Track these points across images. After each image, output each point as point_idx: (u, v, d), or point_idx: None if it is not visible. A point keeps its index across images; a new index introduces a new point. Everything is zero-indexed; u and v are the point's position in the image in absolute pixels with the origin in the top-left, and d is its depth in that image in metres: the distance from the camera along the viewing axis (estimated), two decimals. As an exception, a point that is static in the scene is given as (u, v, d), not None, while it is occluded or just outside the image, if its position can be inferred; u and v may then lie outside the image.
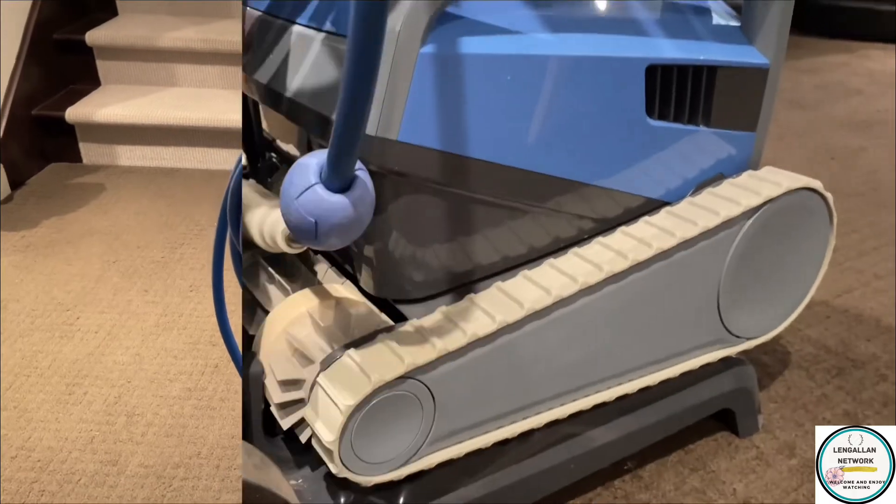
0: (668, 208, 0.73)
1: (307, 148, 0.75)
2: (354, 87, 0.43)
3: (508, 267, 0.68)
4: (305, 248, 0.65)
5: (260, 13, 0.66)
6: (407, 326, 0.62)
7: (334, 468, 0.58)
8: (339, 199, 0.48)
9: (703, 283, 0.73)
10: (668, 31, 0.67)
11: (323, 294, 0.66)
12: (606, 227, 0.71)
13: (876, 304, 1.16)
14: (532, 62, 0.58)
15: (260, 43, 0.66)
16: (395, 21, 0.52)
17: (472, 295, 0.64)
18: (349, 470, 0.58)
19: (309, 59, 0.59)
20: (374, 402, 0.57)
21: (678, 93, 0.68)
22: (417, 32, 0.52)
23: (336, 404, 0.56)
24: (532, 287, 0.64)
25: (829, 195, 0.78)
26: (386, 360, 0.58)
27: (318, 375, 0.59)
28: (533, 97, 0.59)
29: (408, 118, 0.54)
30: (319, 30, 0.58)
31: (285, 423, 0.62)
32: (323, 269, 0.72)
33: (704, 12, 0.72)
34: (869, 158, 1.77)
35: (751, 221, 0.73)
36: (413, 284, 0.64)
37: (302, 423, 0.63)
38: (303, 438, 0.63)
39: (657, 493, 0.80)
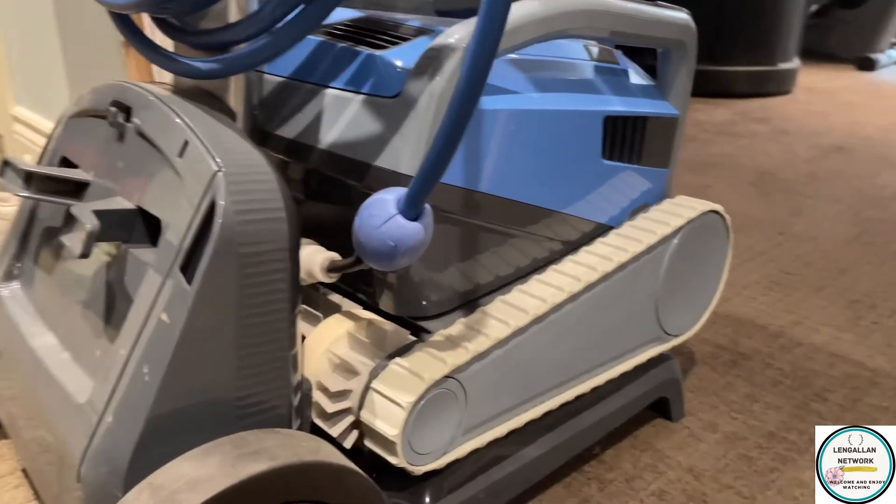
0: (614, 231, 0.90)
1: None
2: (447, 141, 0.55)
3: (503, 284, 0.81)
4: (339, 277, 0.74)
5: (283, 78, 0.76)
6: (437, 337, 0.73)
7: (396, 460, 0.67)
8: (415, 226, 0.59)
9: (647, 290, 0.90)
10: (613, 89, 0.85)
11: (354, 317, 0.75)
12: (570, 248, 0.87)
13: (748, 309, 1.40)
14: (530, 116, 0.73)
15: (283, 103, 0.76)
16: (437, 85, 0.65)
17: (483, 308, 0.77)
18: (406, 461, 0.68)
19: (347, 117, 0.70)
20: (426, 398, 0.68)
21: (621, 138, 0.86)
22: (448, 87, 0.65)
23: (397, 403, 0.66)
24: (530, 298, 0.78)
25: (727, 216, 0.98)
26: (432, 364, 0.69)
27: (370, 383, 0.69)
28: (528, 142, 0.74)
29: (464, 168, 0.67)
30: (358, 92, 0.70)
31: (334, 430, 0.71)
32: (337, 298, 0.82)
33: (629, 74, 0.90)
34: (714, 193, 2.09)
35: (677, 238, 0.91)
36: (430, 303, 0.76)
37: (346, 431, 0.72)
38: (347, 444, 0.72)
39: (620, 471, 0.94)
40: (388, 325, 0.75)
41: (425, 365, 0.69)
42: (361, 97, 0.69)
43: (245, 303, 0.59)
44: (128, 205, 0.66)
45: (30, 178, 0.73)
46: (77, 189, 0.76)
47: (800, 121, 3.06)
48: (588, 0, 0.72)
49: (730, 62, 3.32)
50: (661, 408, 1.05)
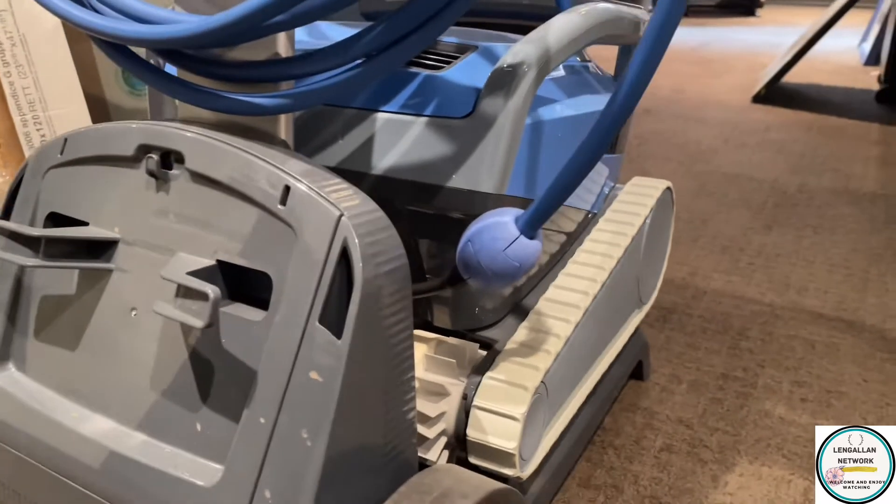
0: (603, 217, 0.96)
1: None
2: (587, 162, 0.57)
3: (535, 284, 0.84)
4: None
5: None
6: (511, 345, 0.75)
7: (513, 471, 0.69)
8: (535, 244, 0.61)
9: (635, 265, 0.99)
10: (600, 85, 0.90)
11: (421, 339, 0.75)
12: (572, 239, 0.92)
13: (650, 267, 1.56)
14: (567, 122, 0.76)
15: (319, 129, 0.72)
16: (514, 104, 0.66)
17: (535, 310, 0.80)
18: (520, 469, 0.70)
19: (408, 140, 0.69)
20: (530, 406, 0.70)
21: (609, 131, 0.92)
22: (527, 110, 0.67)
23: (511, 416, 0.68)
24: (572, 293, 0.82)
25: (672, 188, 1.09)
26: (527, 373, 0.71)
27: (467, 402, 0.69)
28: (562, 146, 0.78)
29: (513, 177, 0.69)
30: (419, 115, 0.68)
31: (432, 454, 0.71)
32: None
33: (595, 70, 0.97)
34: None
35: (650, 215, 1.00)
36: (485, 314, 0.78)
37: (440, 453, 0.72)
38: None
39: (625, 435, 1.03)
40: (457, 342, 0.75)
41: (522, 375, 0.70)
42: (424, 119, 0.68)
43: (387, 344, 0.57)
44: (204, 261, 0.60)
45: (35, 244, 0.64)
46: (91, 248, 0.67)
47: (604, 87, 3.36)
48: (609, 9, 0.77)
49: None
50: (634, 370, 1.15)
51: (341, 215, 0.56)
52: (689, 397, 1.11)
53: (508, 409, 0.68)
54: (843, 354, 1.22)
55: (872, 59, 3.83)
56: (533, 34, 0.68)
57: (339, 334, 0.54)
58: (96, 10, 0.63)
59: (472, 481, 0.57)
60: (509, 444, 0.68)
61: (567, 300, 0.81)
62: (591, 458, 0.98)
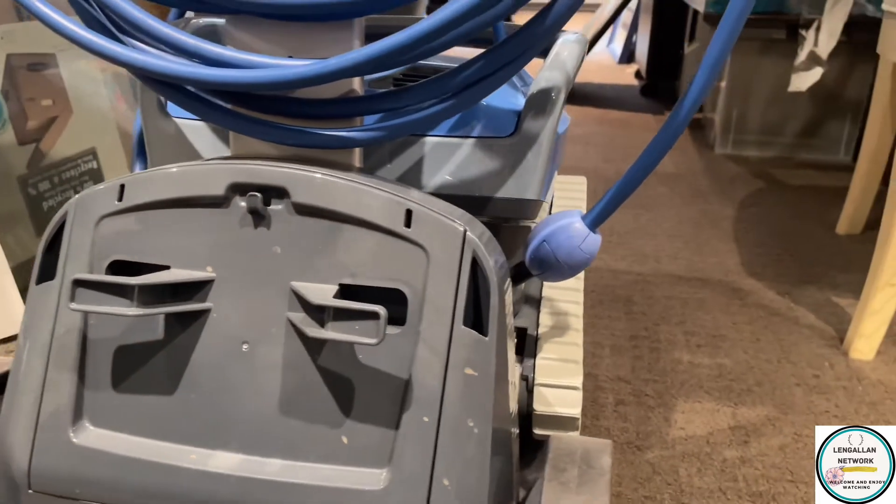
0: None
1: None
2: (645, 167, 0.70)
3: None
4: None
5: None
6: (544, 329, 0.87)
7: (577, 434, 0.81)
8: (599, 237, 0.73)
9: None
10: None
11: (471, 335, 0.84)
12: (538, 234, 1.06)
13: (532, 254, 1.74)
14: (562, 135, 0.89)
15: (368, 155, 0.78)
16: (552, 122, 0.77)
17: (547, 297, 0.92)
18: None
19: (457, 160, 0.77)
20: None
21: (559, 138, 1.07)
22: (557, 128, 0.79)
23: (572, 387, 0.79)
24: (569, 287, 0.95)
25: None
26: (571, 349, 0.83)
27: (531, 382, 0.80)
28: (559, 155, 0.91)
29: (545, 183, 0.81)
30: (466, 137, 0.77)
31: (503, 434, 0.80)
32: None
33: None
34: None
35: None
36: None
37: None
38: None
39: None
40: (498, 333, 0.85)
41: (569, 352, 0.83)
42: (471, 140, 0.77)
43: (508, 335, 0.67)
44: (328, 287, 0.65)
45: (126, 292, 0.65)
46: (179, 291, 0.68)
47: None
48: (581, 37, 0.91)
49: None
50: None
51: (465, 230, 0.64)
52: (616, 359, 1.31)
53: (568, 381, 0.80)
54: (710, 306, 1.50)
55: (625, 58, 4.43)
56: (551, 62, 0.80)
57: (484, 333, 0.62)
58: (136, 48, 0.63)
59: (590, 442, 0.68)
60: (574, 410, 0.80)
61: (568, 285, 0.94)
62: (565, 422, 1.13)
